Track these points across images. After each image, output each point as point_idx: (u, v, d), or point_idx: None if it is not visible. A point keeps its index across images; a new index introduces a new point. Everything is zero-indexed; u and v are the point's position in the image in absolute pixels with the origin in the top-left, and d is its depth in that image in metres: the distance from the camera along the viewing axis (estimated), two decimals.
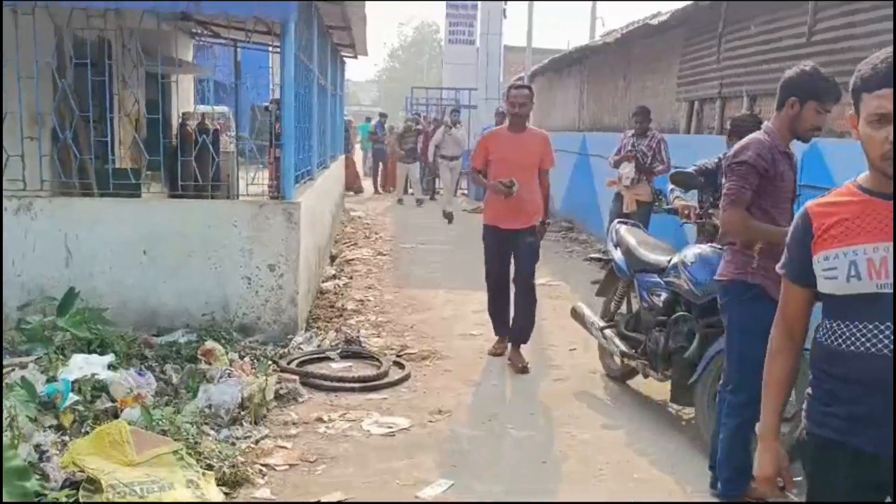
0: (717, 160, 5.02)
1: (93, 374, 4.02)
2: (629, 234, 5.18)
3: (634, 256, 4.93)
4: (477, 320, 6.61)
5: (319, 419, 4.35)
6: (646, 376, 4.80)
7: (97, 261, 5.44)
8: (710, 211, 4.81)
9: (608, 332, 5.09)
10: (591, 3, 20.92)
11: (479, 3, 21.98)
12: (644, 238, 5.15)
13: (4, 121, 5.44)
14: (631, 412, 4.76)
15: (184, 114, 10.32)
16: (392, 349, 5.75)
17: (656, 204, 7.90)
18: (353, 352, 5.57)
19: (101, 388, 4.01)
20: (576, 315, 5.51)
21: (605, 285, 5.44)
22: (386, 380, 5.03)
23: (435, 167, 15.14)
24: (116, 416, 3.83)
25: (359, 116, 21.93)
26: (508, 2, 21.40)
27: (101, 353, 4.40)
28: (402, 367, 5.32)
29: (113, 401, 3.96)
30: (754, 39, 7.37)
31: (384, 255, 9.90)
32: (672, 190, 5.45)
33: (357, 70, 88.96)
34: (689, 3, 8.22)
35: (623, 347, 4.88)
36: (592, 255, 6.10)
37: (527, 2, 19.66)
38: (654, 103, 9.59)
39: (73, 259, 5.43)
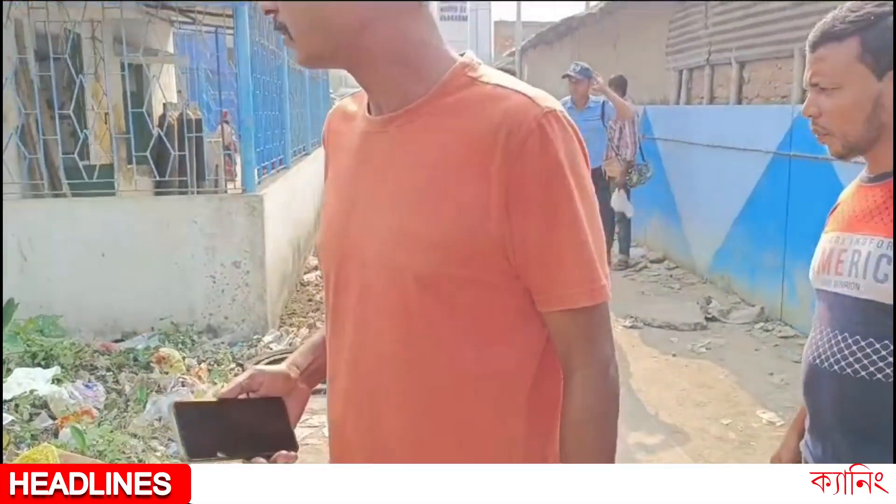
0: None
1: (31, 391, 3.77)
2: None
3: None
4: None
5: None
6: None
7: (53, 265, 5.20)
8: None
9: None
10: None
11: None
12: None
13: None
14: None
15: (164, 104, 10.04)
16: None
17: (628, 178, 7.56)
18: None
19: (40, 404, 3.77)
20: None
21: None
22: None
23: None
24: (57, 436, 3.60)
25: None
26: None
27: (47, 366, 4.16)
28: None
29: (53, 418, 3.73)
30: (742, 2, 7.00)
31: None
32: None
33: None
34: None
35: None
36: None
37: None
38: (645, 74, 9.23)
39: (27, 265, 5.20)
